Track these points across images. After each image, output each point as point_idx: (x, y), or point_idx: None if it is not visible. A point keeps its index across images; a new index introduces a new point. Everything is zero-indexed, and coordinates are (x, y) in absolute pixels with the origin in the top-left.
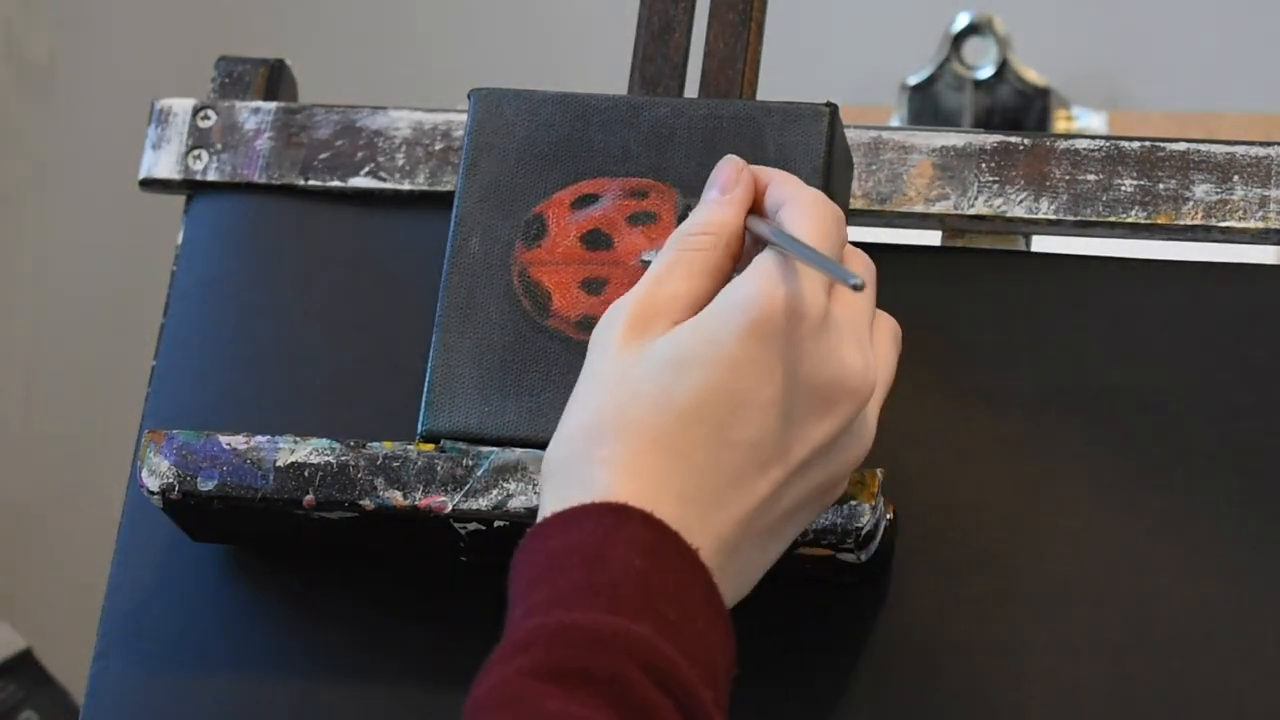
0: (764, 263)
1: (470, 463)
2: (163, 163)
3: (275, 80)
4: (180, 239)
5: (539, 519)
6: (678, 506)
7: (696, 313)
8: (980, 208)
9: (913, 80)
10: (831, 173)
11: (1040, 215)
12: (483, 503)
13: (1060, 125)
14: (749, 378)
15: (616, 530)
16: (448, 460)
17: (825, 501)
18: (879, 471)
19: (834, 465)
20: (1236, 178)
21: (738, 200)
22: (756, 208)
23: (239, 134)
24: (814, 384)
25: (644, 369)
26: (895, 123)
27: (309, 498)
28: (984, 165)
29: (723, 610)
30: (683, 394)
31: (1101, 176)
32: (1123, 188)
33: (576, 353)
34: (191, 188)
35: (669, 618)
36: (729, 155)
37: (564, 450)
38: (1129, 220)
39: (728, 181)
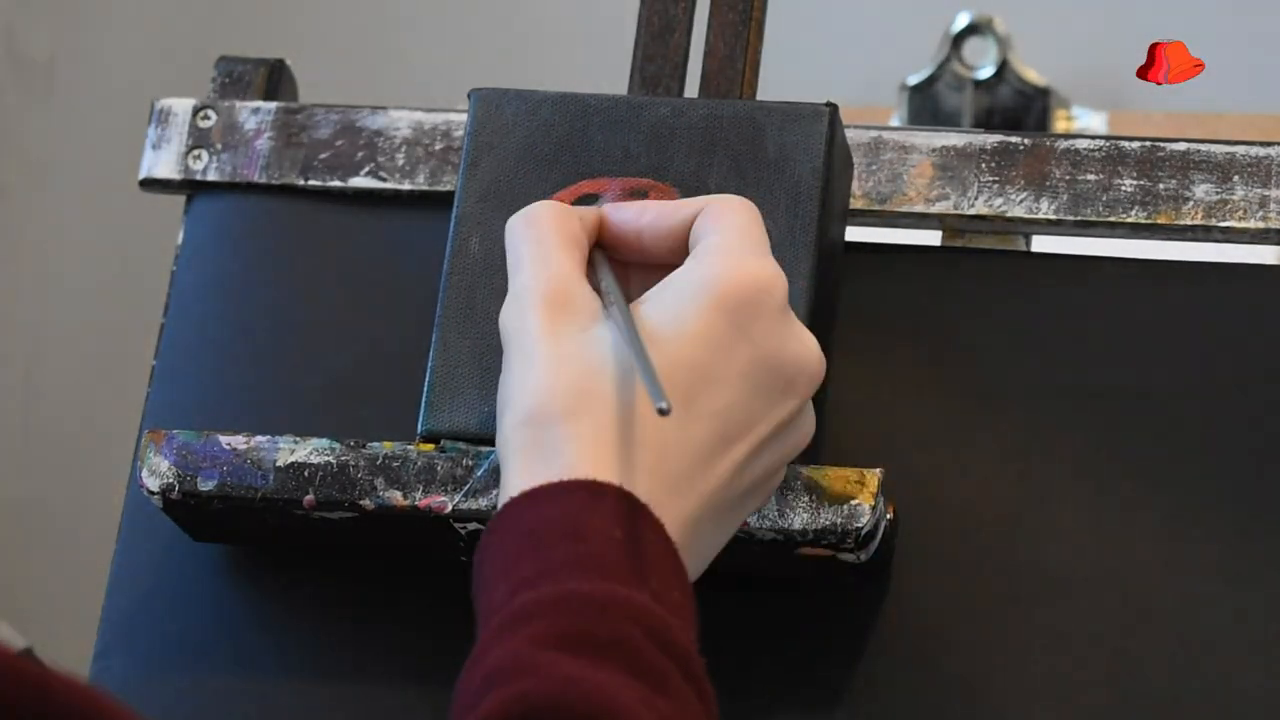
0: (725, 243)
1: (470, 463)
2: (163, 163)
3: (275, 80)
4: (180, 239)
5: (502, 501)
6: (647, 480)
7: (584, 275)
8: (980, 208)
9: (913, 80)
10: (831, 173)
11: (1040, 215)
12: (483, 503)
13: (1060, 125)
14: (715, 351)
15: (591, 504)
16: (448, 460)
17: (772, 485)
18: (879, 471)
19: (787, 446)
20: (1236, 178)
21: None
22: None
23: (239, 134)
24: (777, 362)
25: (594, 347)
26: (895, 123)
27: (309, 498)
28: (984, 165)
29: (689, 585)
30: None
31: (1101, 176)
32: (1123, 188)
33: None
34: (191, 188)
35: (653, 586)
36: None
37: (519, 434)
38: (1129, 220)
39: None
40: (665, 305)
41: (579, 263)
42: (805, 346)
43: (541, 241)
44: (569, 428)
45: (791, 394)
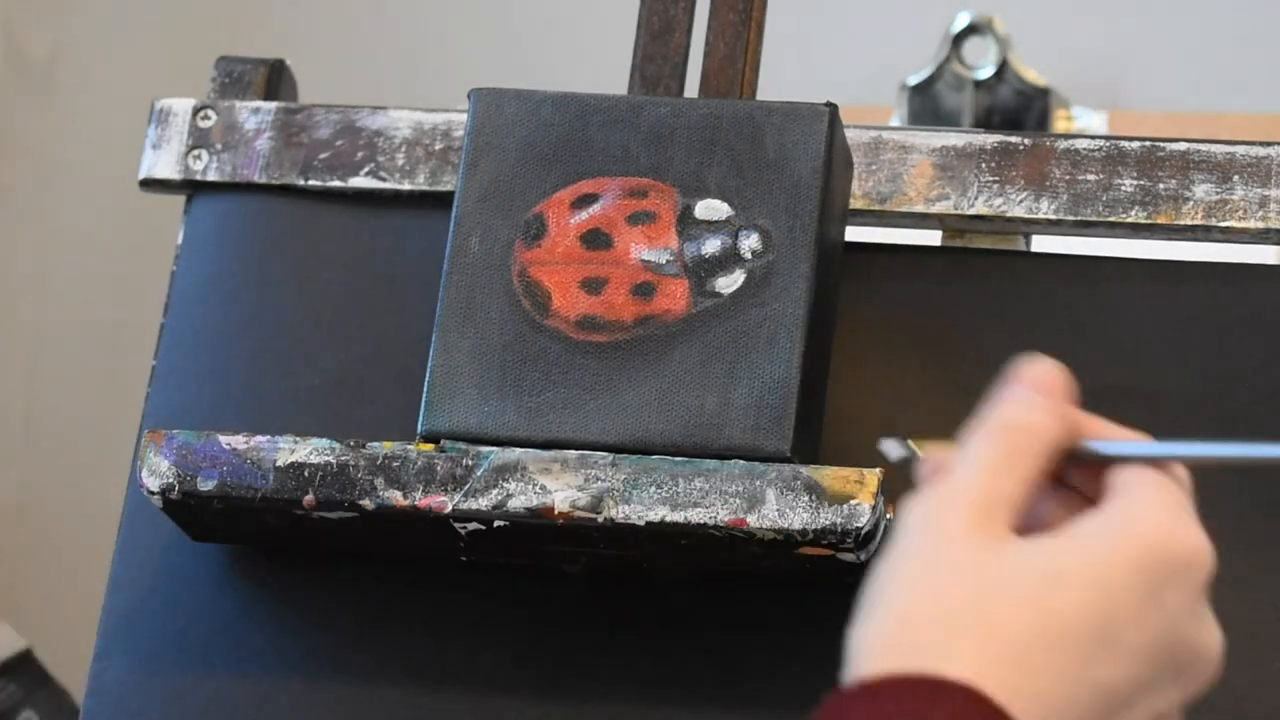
0: (1160, 497)
1: (470, 463)
2: (163, 163)
3: (275, 80)
4: (180, 239)
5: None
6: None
7: (1019, 517)
8: (980, 208)
9: (913, 80)
10: (831, 173)
11: (1040, 215)
12: (483, 503)
13: (1060, 125)
14: (1126, 613)
15: (933, 706)
16: (448, 460)
17: None
18: (879, 471)
19: None
20: (1236, 178)
21: (1064, 416)
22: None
23: (239, 134)
24: (1181, 644)
25: (1007, 568)
26: (895, 123)
27: (309, 498)
28: (984, 165)
29: None
30: (1058, 610)
31: (1101, 176)
32: (1123, 188)
33: (576, 352)
34: (191, 188)
35: None
36: (1045, 361)
37: (896, 633)
38: (1129, 220)
39: (1047, 387)
40: (1084, 545)
41: (1026, 498)
42: (1213, 638)
43: (1011, 456)
44: (956, 643)
45: (1179, 684)
